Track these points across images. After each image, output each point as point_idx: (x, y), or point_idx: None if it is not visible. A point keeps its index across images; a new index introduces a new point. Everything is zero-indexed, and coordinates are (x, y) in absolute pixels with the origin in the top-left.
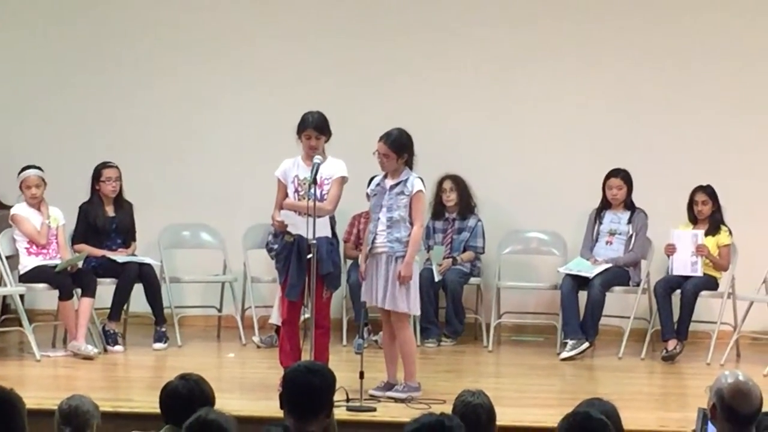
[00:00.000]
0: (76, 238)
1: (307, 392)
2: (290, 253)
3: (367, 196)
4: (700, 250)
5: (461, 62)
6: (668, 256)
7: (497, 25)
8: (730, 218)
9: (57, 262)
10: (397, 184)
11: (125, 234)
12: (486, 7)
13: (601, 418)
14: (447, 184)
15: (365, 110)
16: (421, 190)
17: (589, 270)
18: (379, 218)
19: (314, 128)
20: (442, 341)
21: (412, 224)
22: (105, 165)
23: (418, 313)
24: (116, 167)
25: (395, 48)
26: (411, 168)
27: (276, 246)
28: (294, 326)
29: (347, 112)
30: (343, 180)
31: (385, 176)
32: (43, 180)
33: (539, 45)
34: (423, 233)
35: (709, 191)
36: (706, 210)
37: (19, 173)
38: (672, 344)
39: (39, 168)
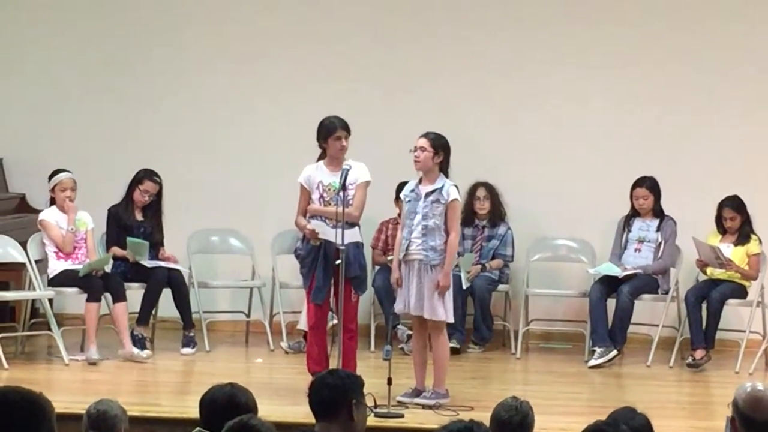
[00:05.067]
0: (110, 241)
1: (322, 391)
2: (316, 257)
3: (396, 201)
4: (728, 265)
5: (488, 70)
6: (700, 269)
7: (526, 31)
8: (760, 226)
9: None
10: (432, 192)
11: (153, 239)
12: (515, 11)
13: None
14: (481, 192)
15: (394, 116)
16: (456, 199)
17: (619, 273)
18: (413, 225)
19: (343, 128)
20: (470, 348)
21: (447, 232)
22: (150, 176)
23: (452, 320)
24: (159, 183)
25: (424, 54)
26: (447, 175)
27: (302, 251)
28: (321, 331)
29: (376, 118)
30: (366, 184)
31: (419, 182)
32: (75, 183)
33: (566, 52)
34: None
35: (736, 204)
36: (735, 225)
37: (50, 177)
38: (699, 354)
39: (69, 171)
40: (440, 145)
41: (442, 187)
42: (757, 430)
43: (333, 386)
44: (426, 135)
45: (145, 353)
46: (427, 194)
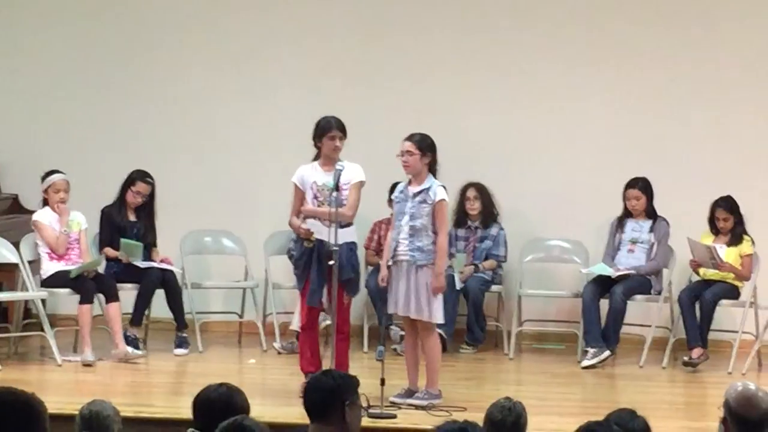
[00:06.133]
0: (103, 242)
1: (315, 392)
2: (310, 259)
3: (390, 202)
4: (722, 267)
5: (481, 69)
6: (693, 270)
7: (519, 31)
8: (753, 227)
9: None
10: (420, 192)
11: (146, 240)
12: (507, 11)
13: None
14: (471, 193)
15: (387, 117)
16: (443, 199)
17: (612, 273)
18: (401, 226)
19: (339, 129)
20: (463, 349)
21: (434, 233)
22: (142, 178)
23: (441, 321)
24: (152, 184)
25: (418, 53)
26: (435, 175)
27: (296, 253)
28: (313, 332)
29: (370, 118)
30: (361, 184)
31: (409, 183)
32: (68, 184)
33: (560, 52)
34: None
35: (729, 205)
36: (727, 226)
37: (44, 178)
38: (697, 353)
39: (62, 173)
40: (426, 146)
41: (430, 187)
42: (749, 429)
43: (326, 387)
44: (410, 138)
45: (139, 353)
46: (415, 195)
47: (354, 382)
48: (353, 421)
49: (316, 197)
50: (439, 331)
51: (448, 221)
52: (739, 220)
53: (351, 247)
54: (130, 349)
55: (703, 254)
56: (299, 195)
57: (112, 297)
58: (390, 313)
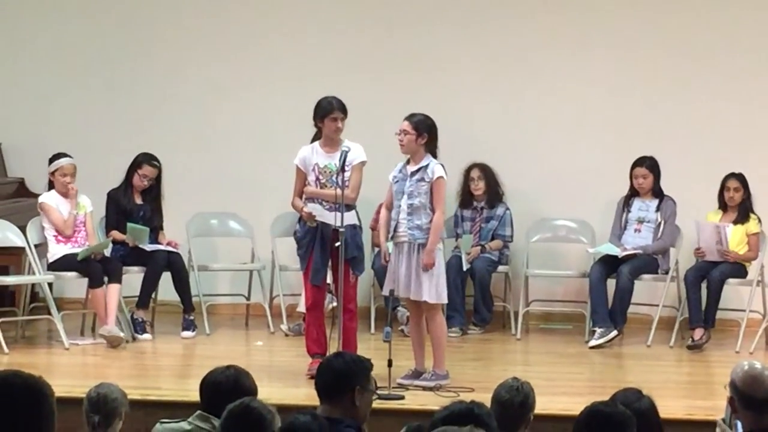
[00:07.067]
0: (110, 225)
1: (327, 374)
2: (313, 239)
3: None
4: (728, 256)
5: (487, 50)
6: (698, 258)
7: (522, 13)
8: (760, 206)
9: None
10: (417, 170)
11: (152, 223)
12: None
13: (623, 412)
14: (475, 173)
15: (393, 97)
16: (441, 177)
17: (618, 253)
18: (400, 205)
19: (340, 109)
20: (470, 329)
21: (432, 211)
22: (149, 161)
23: (446, 301)
24: (158, 167)
25: (423, 36)
26: (435, 156)
27: (300, 233)
28: (319, 312)
29: (375, 99)
30: (362, 165)
31: (407, 162)
32: (76, 168)
33: (565, 32)
34: (452, 220)
35: (741, 178)
36: (737, 197)
37: (51, 161)
38: (698, 333)
39: (70, 156)
40: (424, 127)
41: (428, 165)
42: (756, 408)
43: (338, 371)
44: (409, 117)
45: (147, 336)
46: (413, 173)
47: (366, 367)
48: (362, 407)
49: (318, 179)
50: (453, 333)
51: (452, 201)
52: (747, 197)
53: (354, 225)
54: (113, 328)
55: (710, 237)
56: (301, 176)
57: (114, 279)
58: (395, 295)
